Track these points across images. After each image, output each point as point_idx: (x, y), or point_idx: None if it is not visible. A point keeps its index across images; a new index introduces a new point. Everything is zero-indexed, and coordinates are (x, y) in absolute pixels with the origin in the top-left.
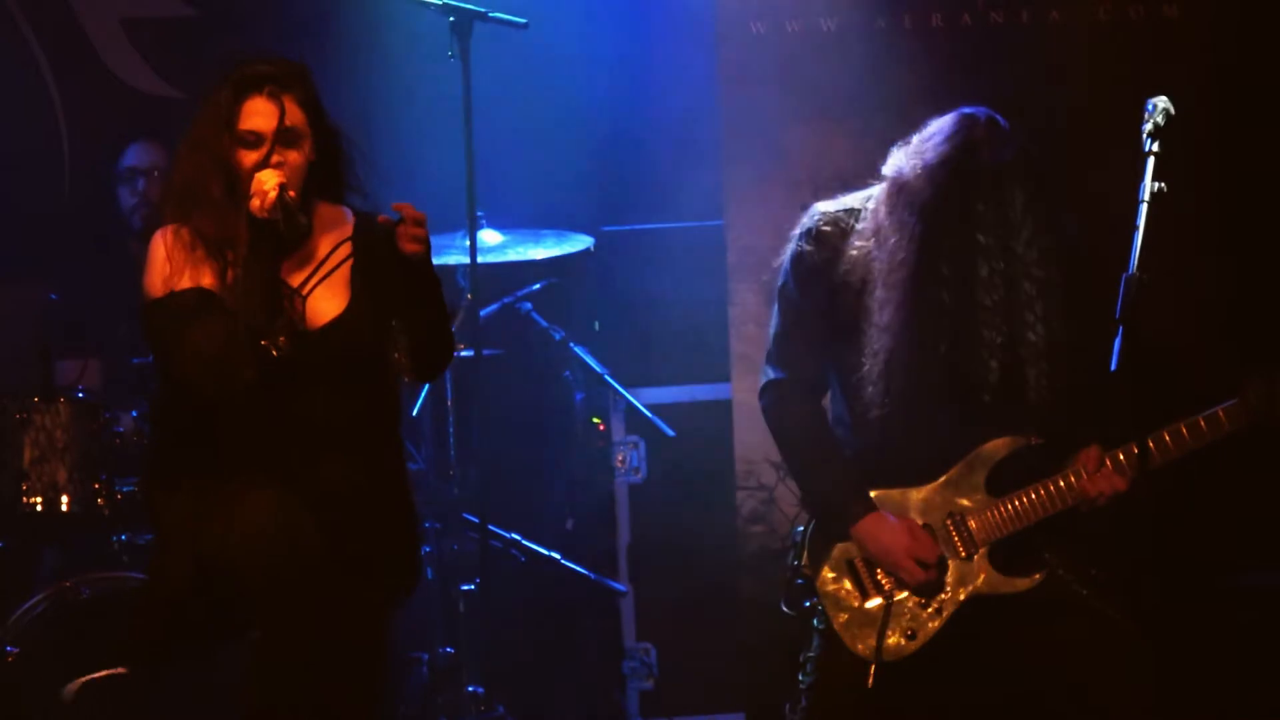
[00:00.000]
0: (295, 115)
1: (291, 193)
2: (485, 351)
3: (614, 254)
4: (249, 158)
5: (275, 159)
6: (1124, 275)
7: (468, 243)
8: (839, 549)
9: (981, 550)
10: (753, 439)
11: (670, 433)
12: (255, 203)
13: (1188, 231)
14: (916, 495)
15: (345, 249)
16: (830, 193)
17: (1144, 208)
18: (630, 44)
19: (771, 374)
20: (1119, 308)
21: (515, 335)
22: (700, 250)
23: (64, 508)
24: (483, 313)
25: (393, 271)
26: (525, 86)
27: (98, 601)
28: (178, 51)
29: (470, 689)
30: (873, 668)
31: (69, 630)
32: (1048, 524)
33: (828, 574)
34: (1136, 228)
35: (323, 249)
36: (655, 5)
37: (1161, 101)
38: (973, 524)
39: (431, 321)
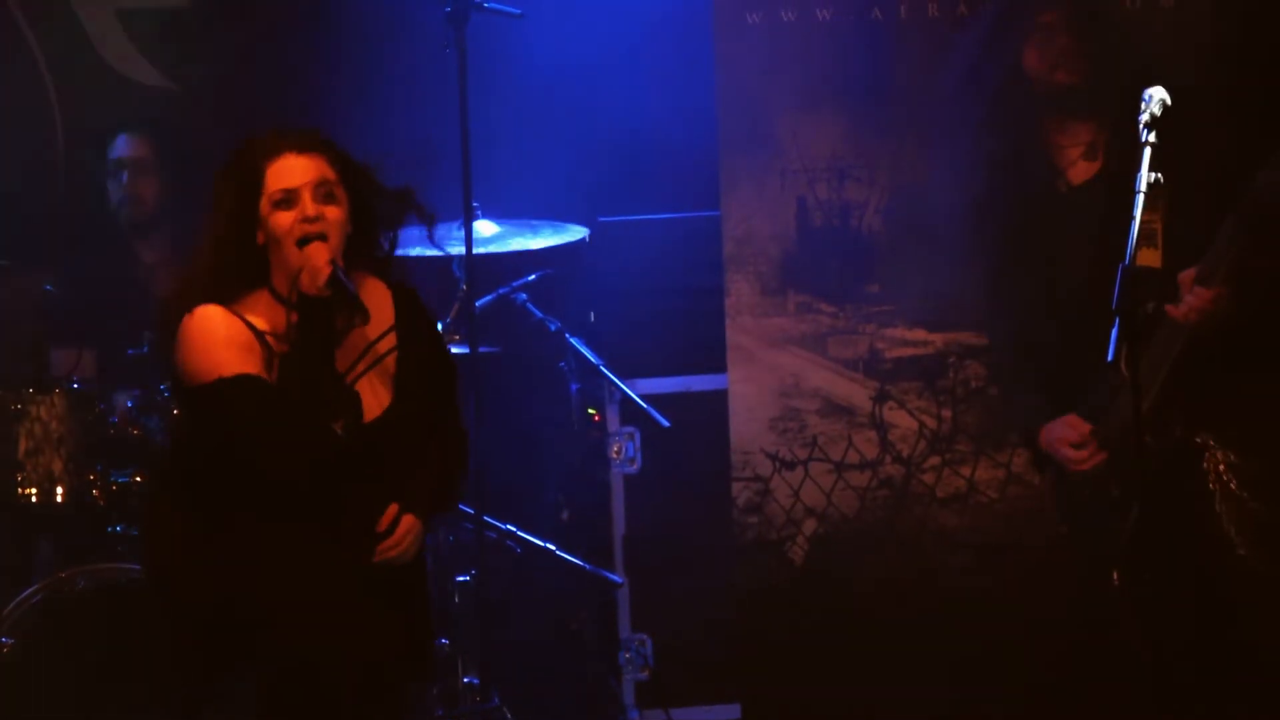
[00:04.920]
0: (328, 171)
1: (340, 261)
2: (480, 344)
3: (609, 245)
4: (285, 219)
5: (313, 211)
6: (1120, 265)
7: (463, 233)
8: None
9: None
10: (748, 430)
11: (665, 423)
12: (305, 279)
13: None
14: None
15: (391, 339)
16: (826, 183)
17: (1140, 199)
18: (626, 34)
19: None
20: (1115, 298)
21: (511, 326)
22: (695, 241)
23: (59, 499)
24: (478, 304)
25: (431, 363)
26: (521, 77)
27: (93, 592)
28: (174, 43)
29: (466, 680)
30: None
31: (64, 621)
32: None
33: None
34: (1133, 218)
35: (368, 332)
36: None
37: (1158, 92)
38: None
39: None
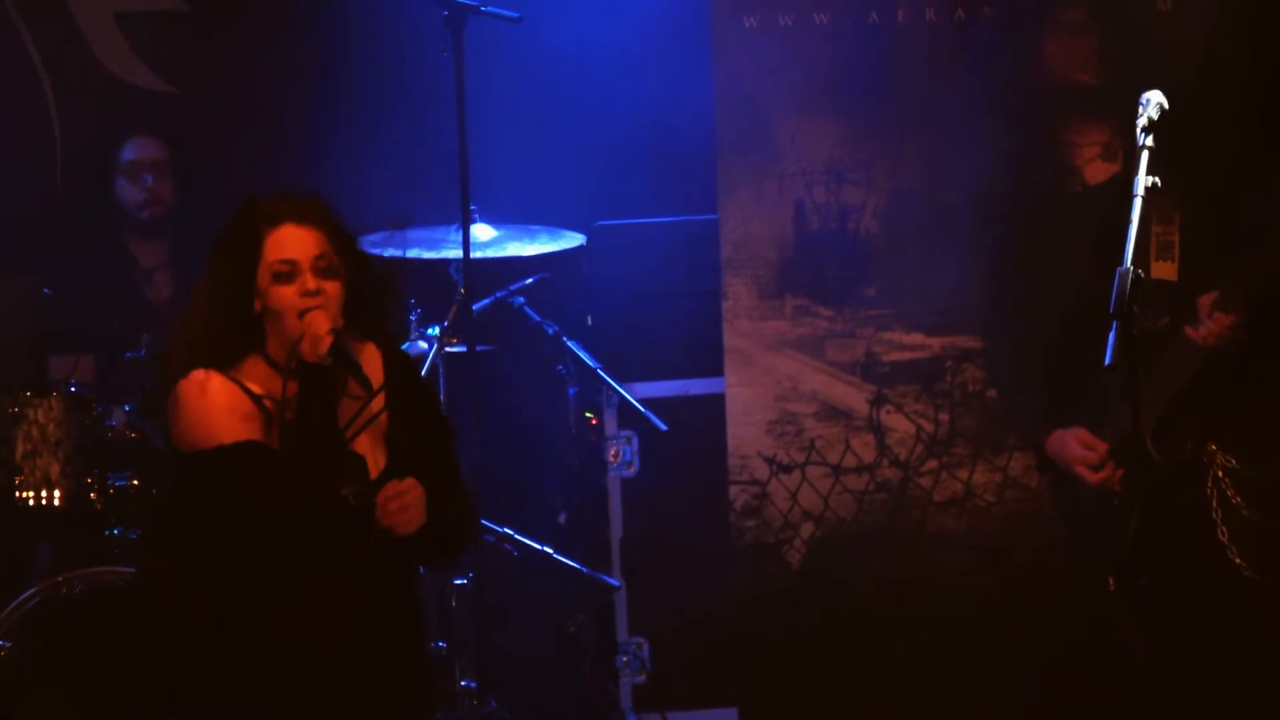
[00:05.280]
0: (328, 244)
1: (339, 326)
2: (478, 346)
3: (607, 248)
4: (286, 292)
5: (313, 285)
6: (1118, 269)
7: (460, 237)
8: None
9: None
10: (745, 433)
11: (663, 427)
12: (306, 346)
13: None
14: None
15: (381, 399)
16: (824, 186)
17: (1138, 202)
18: (623, 37)
19: None
20: (1113, 302)
21: (508, 330)
22: (693, 244)
23: (57, 502)
24: (475, 307)
25: (425, 422)
26: (518, 80)
27: (90, 596)
28: (171, 46)
29: (463, 684)
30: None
31: (61, 625)
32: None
33: None
34: (1130, 222)
35: (361, 393)
36: None
37: (1155, 96)
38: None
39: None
